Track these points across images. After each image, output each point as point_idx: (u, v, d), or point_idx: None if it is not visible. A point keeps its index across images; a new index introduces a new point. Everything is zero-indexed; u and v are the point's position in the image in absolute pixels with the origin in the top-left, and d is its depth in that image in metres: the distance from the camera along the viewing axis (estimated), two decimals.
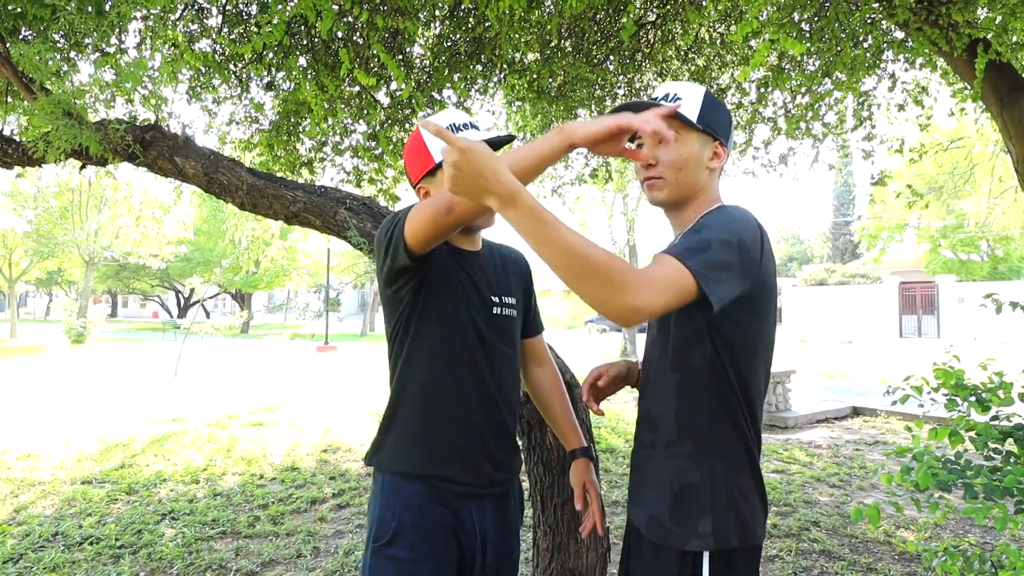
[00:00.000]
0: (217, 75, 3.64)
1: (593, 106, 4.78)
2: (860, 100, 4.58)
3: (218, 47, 3.61)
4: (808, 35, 3.60)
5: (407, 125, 4.18)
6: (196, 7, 3.55)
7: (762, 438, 1.29)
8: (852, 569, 3.22)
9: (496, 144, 1.50)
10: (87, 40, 2.67)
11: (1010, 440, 1.95)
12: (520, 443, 2.07)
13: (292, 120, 4.05)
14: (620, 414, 7.38)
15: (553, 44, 4.25)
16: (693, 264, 1.08)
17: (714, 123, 1.29)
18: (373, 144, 4.22)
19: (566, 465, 2.22)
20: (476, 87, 4.40)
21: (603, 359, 15.05)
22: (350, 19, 3.40)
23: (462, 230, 1.47)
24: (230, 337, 25.08)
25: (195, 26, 3.54)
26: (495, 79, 4.28)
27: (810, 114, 4.68)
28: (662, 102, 1.29)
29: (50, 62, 2.44)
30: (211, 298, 42.11)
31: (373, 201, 2.48)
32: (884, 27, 3.81)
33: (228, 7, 3.59)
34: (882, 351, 17.85)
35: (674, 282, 1.06)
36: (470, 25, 3.78)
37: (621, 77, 4.70)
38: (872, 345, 20.47)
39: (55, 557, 3.30)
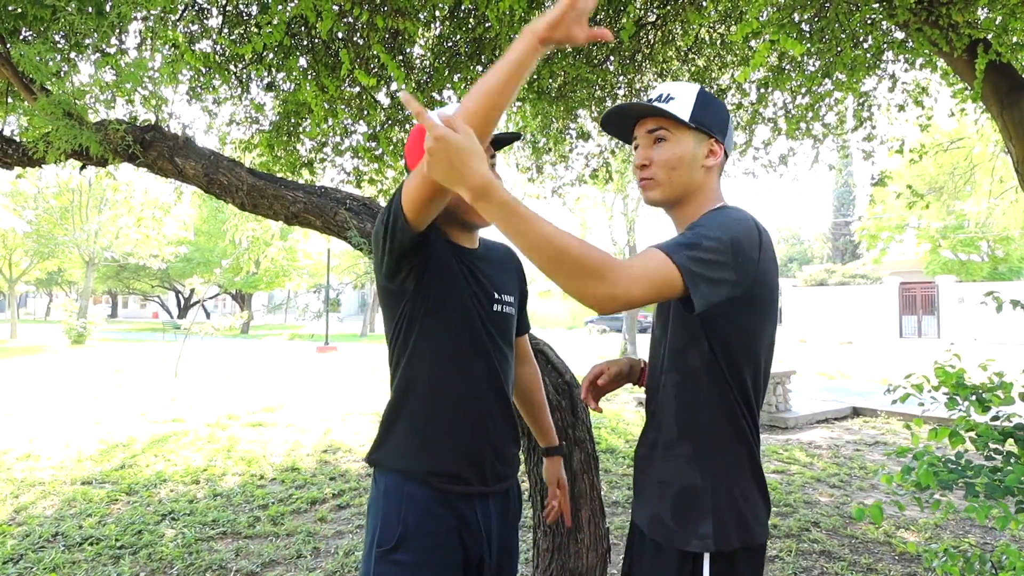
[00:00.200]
0: (217, 76, 3.64)
1: (593, 107, 4.78)
2: (860, 100, 4.57)
3: (218, 48, 3.61)
4: (808, 36, 3.60)
5: (407, 126, 4.19)
6: (196, 8, 3.55)
7: (762, 439, 1.29)
8: (852, 569, 3.22)
9: (501, 141, 1.50)
10: (87, 41, 2.67)
11: (1010, 440, 1.95)
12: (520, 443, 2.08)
13: (292, 121, 4.05)
14: (620, 414, 7.38)
15: None
16: (679, 258, 1.07)
17: (708, 121, 1.29)
18: (373, 145, 4.22)
19: (565, 465, 2.22)
20: None
21: (603, 359, 14.91)
22: (350, 20, 3.40)
23: (461, 227, 1.46)
24: (230, 337, 25.08)
25: (195, 27, 3.54)
26: None
27: (810, 114, 4.67)
28: (655, 103, 1.29)
29: (50, 63, 2.44)
30: (211, 298, 42.11)
31: (373, 202, 2.48)
32: (884, 28, 3.81)
33: (228, 8, 3.60)
34: (882, 351, 17.85)
35: (654, 274, 1.06)
36: (470, 26, 3.79)
37: (621, 78, 4.70)
38: (872, 345, 20.47)
39: (55, 557, 3.30)
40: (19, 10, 2.49)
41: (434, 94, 3.90)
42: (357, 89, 3.90)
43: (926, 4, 3.15)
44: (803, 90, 4.53)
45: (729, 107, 4.99)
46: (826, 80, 4.05)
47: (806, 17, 3.62)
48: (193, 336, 14.04)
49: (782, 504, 4.20)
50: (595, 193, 13.84)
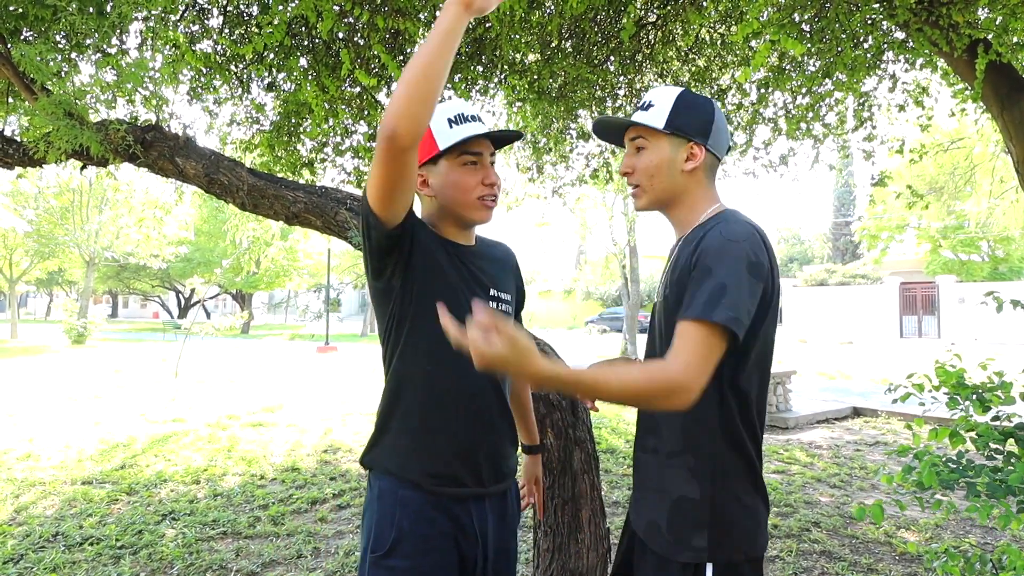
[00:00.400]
0: (218, 76, 3.64)
1: (594, 107, 4.78)
2: (860, 101, 4.57)
3: (219, 48, 3.61)
4: (808, 36, 3.60)
5: None
6: (197, 8, 3.55)
7: (762, 439, 1.30)
8: (853, 570, 3.22)
9: (503, 141, 1.49)
10: (88, 41, 2.68)
11: (1011, 440, 1.95)
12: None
13: (293, 121, 4.05)
14: (620, 414, 7.38)
15: (553, 45, 4.25)
16: (720, 317, 1.10)
17: (685, 125, 1.31)
18: (374, 145, 4.21)
19: (566, 465, 2.23)
20: (477, 87, 4.40)
21: (602, 359, 14.90)
22: (351, 20, 3.40)
23: (458, 224, 1.44)
24: (230, 337, 25.09)
25: (196, 27, 3.54)
26: (496, 80, 4.28)
27: (811, 115, 4.67)
28: (637, 110, 1.36)
29: (51, 63, 2.45)
30: (211, 298, 42.13)
31: None
32: (884, 28, 3.81)
33: (229, 8, 3.60)
34: (883, 351, 17.85)
35: (704, 349, 1.11)
36: (471, 26, 3.78)
37: (622, 78, 4.70)
38: (873, 345, 20.46)
39: (55, 557, 3.30)
40: (20, 10, 2.49)
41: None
42: (358, 89, 3.91)
43: (926, 4, 3.15)
44: (803, 90, 4.53)
45: (730, 107, 4.99)
46: (826, 80, 4.06)
47: (806, 17, 3.62)
48: (193, 336, 14.04)
49: (782, 504, 4.20)
50: (595, 193, 13.82)
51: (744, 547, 1.22)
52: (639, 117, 1.34)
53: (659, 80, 4.90)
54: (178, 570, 3.20)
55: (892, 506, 3.90)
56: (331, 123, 4.00)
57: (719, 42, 4.53)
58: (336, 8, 3.04)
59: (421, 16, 3.44)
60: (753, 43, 4.16)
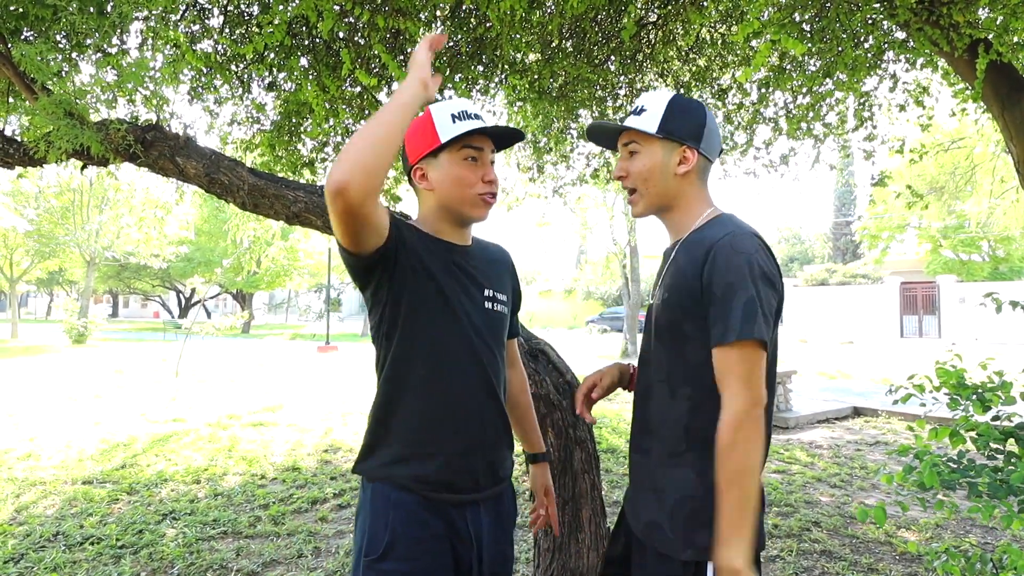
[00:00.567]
0: (218, 75, 3.64)
1: (594, 106, 4.78)
2: (861, 100, 4.57)
3: (220, 47, 3.61)
4: (809, 35, 3.59)
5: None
6: (197, 8, 3.55)
7: (770, 439, 1.31)
8: (853, 569, 3.22)
9: (504, 140, 1.49)
10: (89, 40, 2.68)
11: (1011, 440, 1.95)
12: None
13: (293, 120, 4.05)
14: (620, 414, 7.38)
15: (554, 44, 4.25)
16: (757, 332, 1.15)
17: (677, 129, 1.33)
18: None
19: (566, 465, 2.23)
20: (477, 87, 4.39)
21: (604, 359, 15.05)
22: (351, 19, 3.40)
23: (455, 223, 1.44)
24: (231, 337, 25.10)
25: (196, 27, 3.54)
26: (496, 79, 4.28)
27: (811, 114, 4.67)
28: (630, 115, 1.38)
29: (52, 62, 2.45)
30: (212, 298, 42.14)
31: None
32: (885, 27, 3.81)
33: (229, 7, 3.60)
34: (883, 351, 17.84)
35: (750, 365, 1.16)
36: (471, 25, 3.79)
37: (622, 77, 4.70)
38: (873, 345, 20.45)
39: (56, 557, 3.30)
40: (21, 10, 2.49)
41: (435, 94, 3.90)
42: (358, 89, 3.91)
43: (927, 4, 3.15)
44: (804, 90, 4.53)
45: (730, 107, 4.99)
46: (827, 80, 4.05)
47: (807, 17, 3.61)
48: (194, 336, 14.05)
49: (783, 504, 4.20)
50: (596, 193, 13.82)
51: None
52: (632, 122, 1.36)
53: (660, 80, 4.90)
54: (179, 570, 3.20)
55: (892, 506, 3.91)
56: (332, 123, 4.00)
57: (720, 42, 4.53)
58: (337, 8, 3.04)
59: (421, 16, 3.44)
60: (754, 43, 4.16)
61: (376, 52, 3.14)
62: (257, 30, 3.21)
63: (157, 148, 2.52)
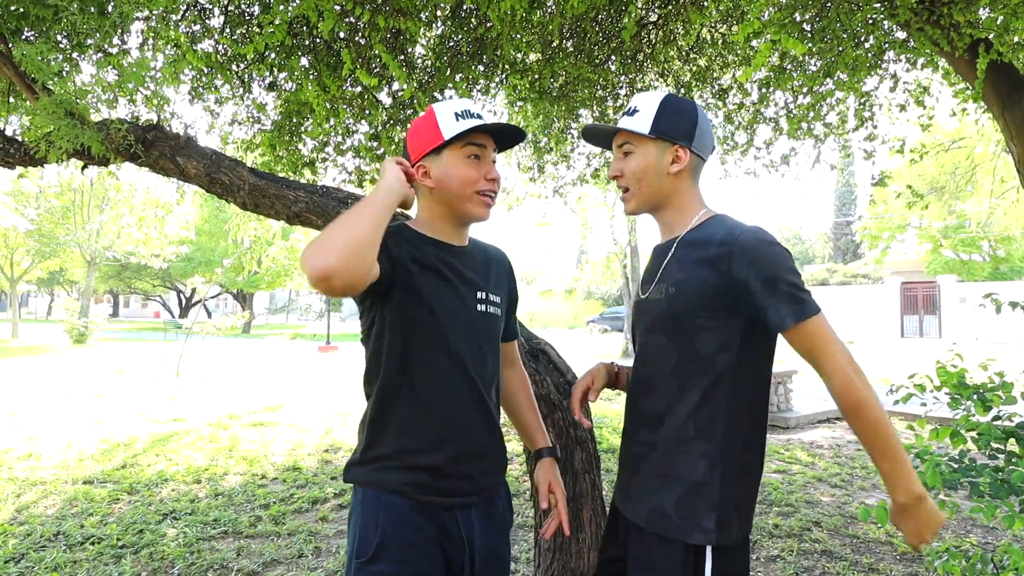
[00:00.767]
0: (219, 75, 3.64)
1: (595, 106, 4.77)
2: (862, 100, 4.57)
3: (220, 47, 3.61)
4: (810, 35, 3.59)
5: (409, 125, 4.18)
6: (198, 7, 3.55)
7: (766, 423, 1.36)
8: (854, 569, 3.22)
9: (506, 140, 1.49)
10: (89, 40, 2.68)
11: (1012, 440, 1.95)
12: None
13: (294, 120, 4.05)
14: (621, 413, 7.38)
15: (555, 44, 4.25)
16: (814, 307, 1.21)
17: (670, 129, 1.36)
18: (375, 144, 4.22)
19: (567, 465, 2.23)
20: (478, 87, 4.40)
21: (604, 359, 14.90)
22: (352, 19, 3.40)
23: (454, 221, 1.44)
24: (232, 337, 25.10)
25: (197, 26, 3.54)
26: (497, 79, 4.28)
27: (812, 114, 4.67)
28: (624, 116, 1.41)
29: (52, 62, 2.45)
30: (213, 298, 42.15)
31: None
32: (885, 27, 3.81)
33: (230, 7, 3.60)
34: (884, 351, 17.82)
35: (828, 335, 1.21)
36: (472, 25, 3.79)
37: (623, 77, 4.70)
38: (874, 345, 20.44)
39: (57, 557, 3.31)
40: (21, 10, 2.49)
41: (436, 93, 3.90)
42: (359, 89, 3.91)
43: (927, 4, 3.15)
44: (804, 90, 4.53)
45: (731, 107, 4.99)
46: (827, 80, 4.05)
47: (808, 17, 3.61)
48: (195, 336, 14.06)
49: (783, 504, 4.20)
50: (596, 192, 13.81)
51: (743, 529, 1.30)
52: (625, 123, 1.39)
53: (660, 80, 4.90)
54: (179, 569, 3.20)
55: None
56: (332, 123, 4.00)
57: (720, 42, 4.53)
58: (337, 8, 3.04)
59: (422, 16, 3.44)
60: (754, 43, 4.16)
61: (377, 52, 3.14)
62: (258, 30, 3.21)
63: (158, 148, 2.52)
